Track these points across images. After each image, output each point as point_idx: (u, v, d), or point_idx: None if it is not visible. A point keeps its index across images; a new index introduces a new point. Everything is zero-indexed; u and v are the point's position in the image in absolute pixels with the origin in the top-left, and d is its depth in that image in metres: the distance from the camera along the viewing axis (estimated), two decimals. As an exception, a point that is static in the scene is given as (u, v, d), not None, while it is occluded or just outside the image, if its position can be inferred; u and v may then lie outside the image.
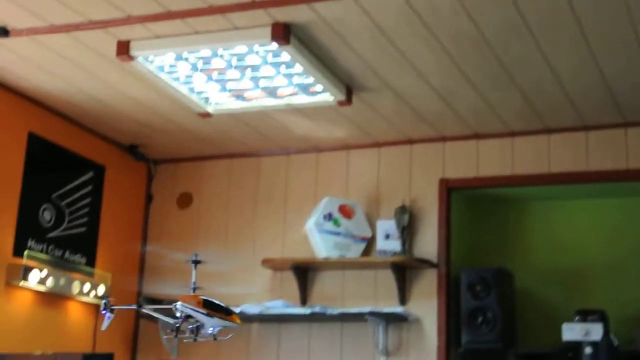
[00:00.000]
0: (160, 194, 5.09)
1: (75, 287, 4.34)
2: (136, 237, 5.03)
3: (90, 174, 4.63)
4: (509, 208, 4.98)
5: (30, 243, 4.20)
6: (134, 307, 3.05)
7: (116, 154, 4.86)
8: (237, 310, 4.42)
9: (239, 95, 4.01)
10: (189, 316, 2.90)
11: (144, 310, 3.05)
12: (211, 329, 2.94)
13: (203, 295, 2.93)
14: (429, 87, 3.87)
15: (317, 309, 4.39)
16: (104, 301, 3.00)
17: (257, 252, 4.75)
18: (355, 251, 4.49)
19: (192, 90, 3.96)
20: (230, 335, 2.95)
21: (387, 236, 4.45)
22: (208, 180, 5.01)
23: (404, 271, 4.41)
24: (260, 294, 4.65)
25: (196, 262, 3.09)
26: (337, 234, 4.47)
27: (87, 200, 4.60)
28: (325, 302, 4.49)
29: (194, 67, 3.70)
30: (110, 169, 4.79)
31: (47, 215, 4.32)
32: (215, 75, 3.77)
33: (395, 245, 4.41)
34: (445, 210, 4.47)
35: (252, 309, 4.48)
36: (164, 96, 4.06)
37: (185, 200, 5.02)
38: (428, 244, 4.45)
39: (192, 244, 4.92)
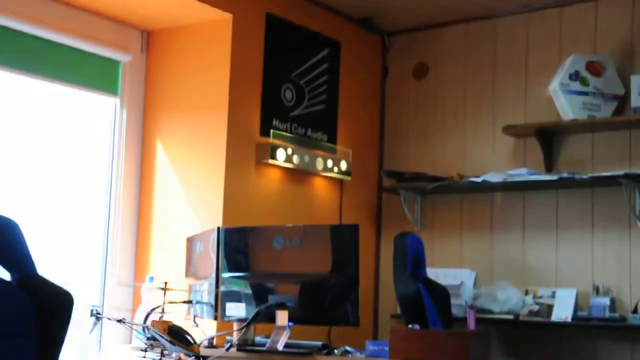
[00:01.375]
0: (395, 67, 5.06)
1: (319, 164, 4.44)
2: (374, 111, 5.04)
3: (326, 51, 4.64)
4: None
5: (275, 122, 4.31)
6: (117, 319, 3.32)
7: (350, 29, 4.82)
8: (479, 179, 4.46)
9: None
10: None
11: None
12: (174, 354, 3.32)
13: (171, 324, 3.26)
14: None
15: (564, 175, 4.24)
16: (92, 308, 3.25)
17: (497, 119, 4.64)
18: (605, 111, 4.26)
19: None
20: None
21: (644, 91, 4.14)
22: (443, 48, 4.91)
23: (664, 128, 4.11)
24: (502, 163, 4.58)
25: (165, 290, 3.56)
26: (585, 93, 4.26)
27: (325, 77, 4.63)
28: (573, 168, 4.32)
29: None
30: (345, 45, 4.78)
31: (288, 95, 4.40)
32: None
33: (653, 100, 4.06)
34: None
35: (494, 177, 4.41)
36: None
37: (421, 71, 4.96)
38: (692, 95, 4.09)
39: (430, 115, 4.92)
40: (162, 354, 3.38)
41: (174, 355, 3.37)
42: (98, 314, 3.30)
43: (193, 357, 3.36)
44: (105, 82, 4.15)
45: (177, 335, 3.30)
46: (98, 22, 4.10)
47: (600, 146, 4.36)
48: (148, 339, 3.41)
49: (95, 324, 3.29)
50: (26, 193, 3.86)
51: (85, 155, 4.14)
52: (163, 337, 3.27)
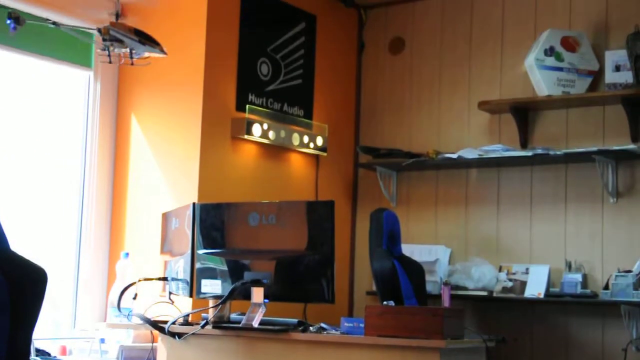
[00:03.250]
0: (372, 41, 5.00)
1: (295, 139, 4.41)
2: (350, 86, 4.99)
3: (302, 25, 4.59)
4: None
5: (251, 97, 4.26)
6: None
7: (326, 2, 4.77)
8: (454, 156, 4.41)
9: None
10: (118, 41, 3.40)
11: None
12: (146, 54, 3.48)
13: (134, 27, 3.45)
14: None
15: (538, 151, 4.21)
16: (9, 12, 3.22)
17: (472, 94, 4.59)
18: (580, 87, 4.23)
19: None
20: (148, 63, 3.58)
21: (617, 68, 4.14)
22: (420, 22, 4.85)
23: (637, 105, 4.09)
24: (477, 139, 4.54)
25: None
26: (560, 69, 4.23)
27: (301, 52, 4.58)
28: (547, 144, 4.29)
29: None
30: (322, 18, 4.72)
31: (264, 69, 4.35)
32: None
33: (626, 76, 4.09)
34: (690, 31, 4.02)
35: (469, 153, 4.37)
36: None
37: (397, 46, 4.89)
38: (665, 71, 4.07)
39: (406, 90, 4.85)
40: (132, 55, 3.45)
41: (146, 55, 3.50)
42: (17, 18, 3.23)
43: None
44: (79, 54, 4.11)
45: (144, 35, 3.42)
46: (71, -7, 4.04)
47: (574, 122, 4.32)
48: (105, 41, 3.41)
49: (14, 28, 3.23)
50: (-3, 168, 3.84)
51: (59, 129, 4.10)
52: (130, 37, 3.37)
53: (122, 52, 3.49)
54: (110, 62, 3.51)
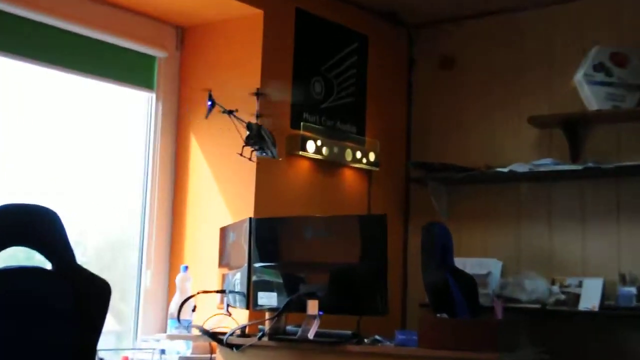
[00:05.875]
0: (422, 58, 4.97)
1: (348, 155, 4.37)
2: (402, 103, 4.96)
3: (354, 45, 4.58)
4: None
5: (305, 115, 4.24)
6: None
7: (377, 23, 4.74)
8: (505, 170, 4.38)
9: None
10: (260, 137, 3.75)
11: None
12: (269, 153, 3.83)
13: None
14: None
15: (590, 165, 4.12)
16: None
17: (522, 110, 4.49)
18: (630, 101, 4.12)
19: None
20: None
21: (670, 80, 3.98)
22: (470, 40, 4.79)
23: (691, 117, 4.03)
24: (527, 153, 4.47)
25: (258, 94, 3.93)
26: (610, 84, 4.13)
27: (353, 70, 4.57)
28: (598, 158, 4.20)
29: None
30: (373, 38, 4.70)
31: (317, 88, 4.32)
32: None
33: (680, 89, 3.99)
34: None
35: (520, 168, 4.31)
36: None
37: (447, 63, 4.84)
38: None
39: (457, 106, 4.80)
40: (263, 152, 3.85)
41: (269, 154, 3.86)
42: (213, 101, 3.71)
43: None
44: (142, 77, 4.18)
45: (273, 138, 3.85)
46: (135, 19, 4.11)
47: (626, 136, 4.22)
48: (248, 144, 3.80)
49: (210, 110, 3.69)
50: (66, 184, 3.90)
51: (122, 148, 4.17)
52: (268, 137, 3.80)
53: (255, 147, 3.78)
54: (242, 151, 3.82)
